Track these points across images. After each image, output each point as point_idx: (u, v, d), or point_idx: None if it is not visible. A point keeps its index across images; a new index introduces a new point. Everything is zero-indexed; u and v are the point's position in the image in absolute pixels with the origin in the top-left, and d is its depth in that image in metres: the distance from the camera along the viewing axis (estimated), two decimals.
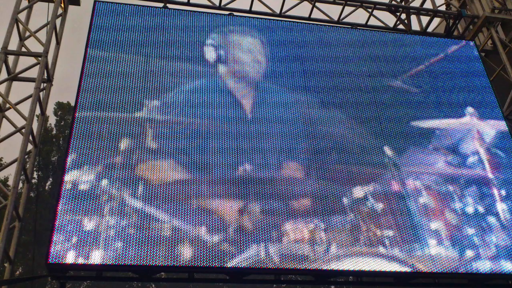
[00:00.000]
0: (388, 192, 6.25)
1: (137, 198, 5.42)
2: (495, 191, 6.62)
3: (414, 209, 6.15)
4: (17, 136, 6.21)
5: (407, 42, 8.27)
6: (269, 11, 8.69)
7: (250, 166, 6.04)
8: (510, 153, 7.13)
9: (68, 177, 5.43)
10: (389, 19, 9.33)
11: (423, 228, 6.00)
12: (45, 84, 6.97)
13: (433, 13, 9.36)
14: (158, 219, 5.33)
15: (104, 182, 5.47)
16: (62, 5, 7.60)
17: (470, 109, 7.52)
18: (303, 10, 8.84)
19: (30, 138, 6.25)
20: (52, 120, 23.10)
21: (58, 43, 7.50)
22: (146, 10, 7.34)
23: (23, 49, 7.05)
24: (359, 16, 9.21)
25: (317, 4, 8.86)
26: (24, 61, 6.96)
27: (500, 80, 8.56)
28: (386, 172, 6.46)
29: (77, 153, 5.64)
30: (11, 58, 6.88)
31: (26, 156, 6.18)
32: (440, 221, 6.12)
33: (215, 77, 6.86)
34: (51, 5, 7.37)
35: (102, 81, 6.32)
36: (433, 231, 6.01)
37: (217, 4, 8.51)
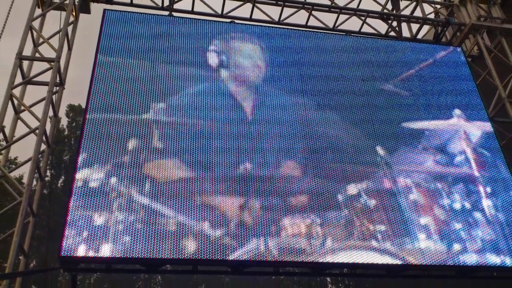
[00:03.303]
0: (380, 189, 6.26)
1: (144, 195, 5.43)
2: (481, 188, 6.62)
3: (405, 205, 6.16)
4: (31, 137, 6.22)
5: (398, 48, 8.29)
6: (268, 19, 8.71)
7: (251, 165, 6.05)
8: (495, 152, 7.14)
9: (79, 175, 5.44)
10: (381, 27, 9.35)
11: (413, 223, 6.00)
12: (57, 88, 6.97)
13: (423, 20, 9.36)
14: (164, 214, 5.34)
15: (113, 180, 5.48)
16: (74, 13, 7.61)
17: (457, 111, 7.53)
18: (301, 18, 8.86)
19: (44, 138, 6.26)
20: (64, 122, 23.16)
21: (70, 49, 7.50)
22: (152, 18, 7.36)
23: (37, 55, 7.06)
24: (353, 23, 9.24)
25: (314, 12, 8.88)
26: (38, 66, 6.98)
27: (486, 84, 8.57)
28: (378, 171, 6.47)
29: (88, 152, 5.65)
30: (25, 63, 6.90)
31: (40, 156, 6.20)
32: (429, 216, 6.13)
33: (217, 81, 6.87)
34: (63, 13, 7.39)
35: (111, 85, 6.34)
36: (423, 226, 6.01)
37: (219, 12, 8.53)
